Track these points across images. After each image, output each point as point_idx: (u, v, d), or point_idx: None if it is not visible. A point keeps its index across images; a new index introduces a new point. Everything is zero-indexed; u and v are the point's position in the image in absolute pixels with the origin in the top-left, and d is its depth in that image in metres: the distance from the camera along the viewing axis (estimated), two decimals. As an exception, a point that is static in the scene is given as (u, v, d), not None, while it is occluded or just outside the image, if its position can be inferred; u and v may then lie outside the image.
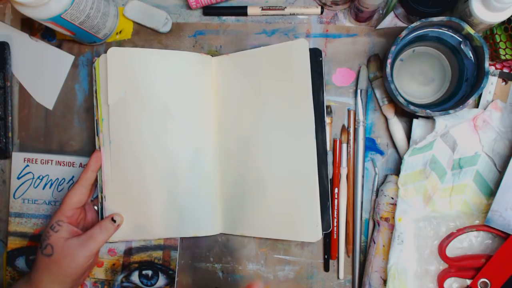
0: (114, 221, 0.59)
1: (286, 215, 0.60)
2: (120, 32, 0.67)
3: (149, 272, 0.66)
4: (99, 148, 0.61)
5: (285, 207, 0.61)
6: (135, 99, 0.61)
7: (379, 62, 0.64)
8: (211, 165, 0.63)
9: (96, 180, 0.61)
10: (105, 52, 0.63)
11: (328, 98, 0.65)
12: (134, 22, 0.67)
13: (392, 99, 0.62)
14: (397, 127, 0.64)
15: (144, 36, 0.67)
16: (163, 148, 0.61)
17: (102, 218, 0.61)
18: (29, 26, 0.68)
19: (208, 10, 0.66)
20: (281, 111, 0.61)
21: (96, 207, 0.63)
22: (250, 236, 0.65)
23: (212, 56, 0.64)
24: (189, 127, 0.62)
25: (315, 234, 0.59)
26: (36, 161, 0.66)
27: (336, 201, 0.64)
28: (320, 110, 0.61)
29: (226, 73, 0.63)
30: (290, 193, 0.60)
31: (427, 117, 0.61)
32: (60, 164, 0.66)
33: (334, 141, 0.64)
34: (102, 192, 0.61)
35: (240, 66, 0.63)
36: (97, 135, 0.61)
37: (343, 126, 0.65)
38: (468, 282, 0.58)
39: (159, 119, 0.61)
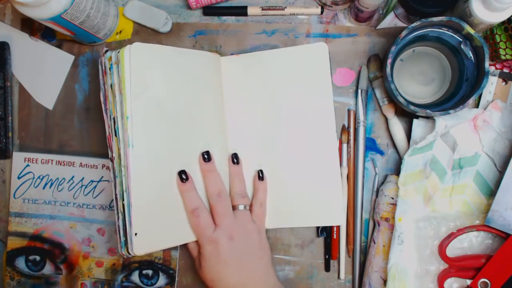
0: None
1: (310, 204, 0.62)
2: (120, 32, 0.67)
3: (149, 272, 0.66)
4: (119, 149, 0.54)
5: (308, 197, 0.62)
6: (155, 98, 0.56)
7: (379, 62, 0.64)
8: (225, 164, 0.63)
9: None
10: (106, 51, 0.62)
11: (328, 98, 0.65)
12: (134, 22, 0.67)
13: (392, 99, 0.62)
14: (397, 127, 0.64)
15: (144, 36, 0.67)
16: (180, 149, 0.58)
17: (126, 225, 0.53)
18: (29, 26, 0.68)
19: (208, 10, 0.66)
20: (299, 111, 0.62)
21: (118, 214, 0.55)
22: (272, 228, 0.64)
23: None
24: (203, 126, 0.60)
25: (340, 217, 0.62)
26: (36, 161, 0.66)
27: (336, 201, 0.64)
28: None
29: (237, 73, 0.63)
30: (312, 184, 0.62)
31: (427, 117, 0.61)
32: (60, 164, 0.66)
33: (335, 141, 0.65)
34: (125, 199, 0.53)
35: (252, 67, 0.63)
36: (116, 135, 0.54)
37: (343, 126, 0.65)
38: (468, 282, 0.58)
39: (177, 119, 0.58)
